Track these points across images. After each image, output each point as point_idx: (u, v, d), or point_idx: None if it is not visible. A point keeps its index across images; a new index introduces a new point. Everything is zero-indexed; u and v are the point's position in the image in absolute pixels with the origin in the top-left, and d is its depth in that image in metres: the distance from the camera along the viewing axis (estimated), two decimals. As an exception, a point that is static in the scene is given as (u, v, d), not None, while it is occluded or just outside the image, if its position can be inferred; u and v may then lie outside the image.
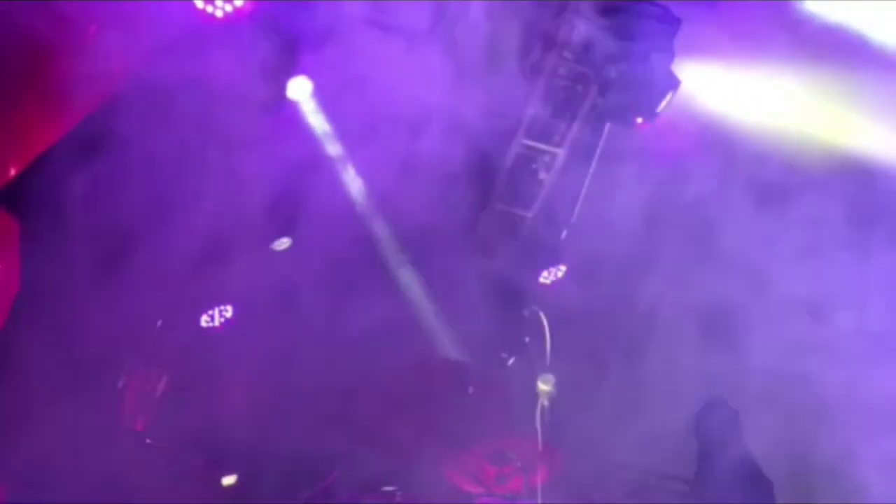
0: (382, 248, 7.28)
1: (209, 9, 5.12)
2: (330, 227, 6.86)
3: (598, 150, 6.65)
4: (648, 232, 7.19)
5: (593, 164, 6.68)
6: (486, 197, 7.43)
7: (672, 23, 5.74)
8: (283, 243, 7.18)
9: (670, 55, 5.65)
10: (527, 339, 3.96)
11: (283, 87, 5.82)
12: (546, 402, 3.95)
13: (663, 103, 5.60)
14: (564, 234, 7.11)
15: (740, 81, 6.39)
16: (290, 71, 5.86)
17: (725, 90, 6.42)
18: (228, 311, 7.08)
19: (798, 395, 7.03)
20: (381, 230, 7.21)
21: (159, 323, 6.27)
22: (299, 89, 6.13)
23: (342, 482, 4.44)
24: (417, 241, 7.30)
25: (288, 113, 6.22)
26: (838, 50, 6.06)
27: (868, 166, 6.65)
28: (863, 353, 6.83)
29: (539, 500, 4.03)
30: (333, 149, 6.70)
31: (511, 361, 7.62)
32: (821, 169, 6.64)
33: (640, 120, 5.70)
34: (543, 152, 7.00)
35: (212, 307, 7.00)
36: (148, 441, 3.38)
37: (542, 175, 7.09)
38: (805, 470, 7.39)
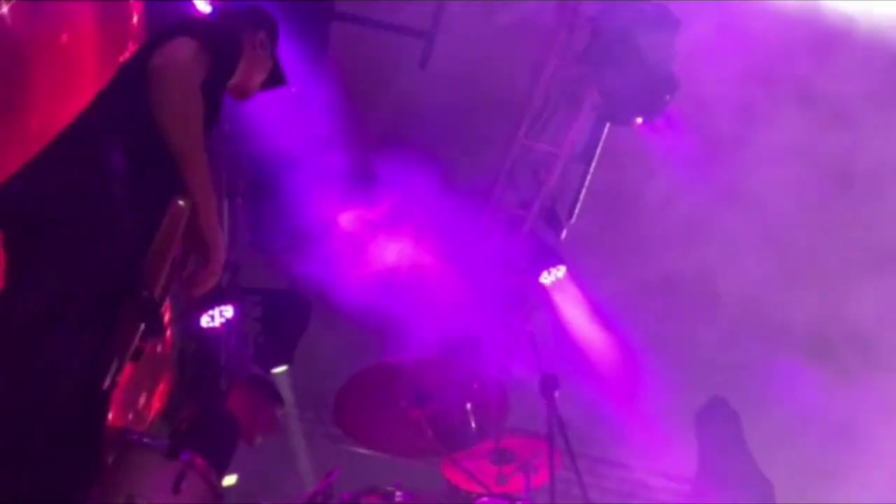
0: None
1: (209, 9, 5.12)
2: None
3: (598, 150, 6.66)
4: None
5: (593, 164, 6.68)
6: (486, 197, 7.45)
7: (672, 23, 5.74)
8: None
9: (670, 55, 5.66)
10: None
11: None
12: (546, 402, 3.95)
13: (663, 104, 5.60)
14: (564, 234, 7.12)
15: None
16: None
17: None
18: (228, 311, 7.08)
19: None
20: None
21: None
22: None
23: (342, 482, 4.43)
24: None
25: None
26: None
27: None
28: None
29: (539, 501, 4.03)
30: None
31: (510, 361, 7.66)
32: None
33: (639, 120, 5.70)
34: (543, 152, 7.01)
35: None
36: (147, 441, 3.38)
37: (541, 175, 7.10)
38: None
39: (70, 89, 4.29)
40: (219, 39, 2.66)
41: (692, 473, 8.76)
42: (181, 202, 2.38)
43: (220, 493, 3.55)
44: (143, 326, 2.25)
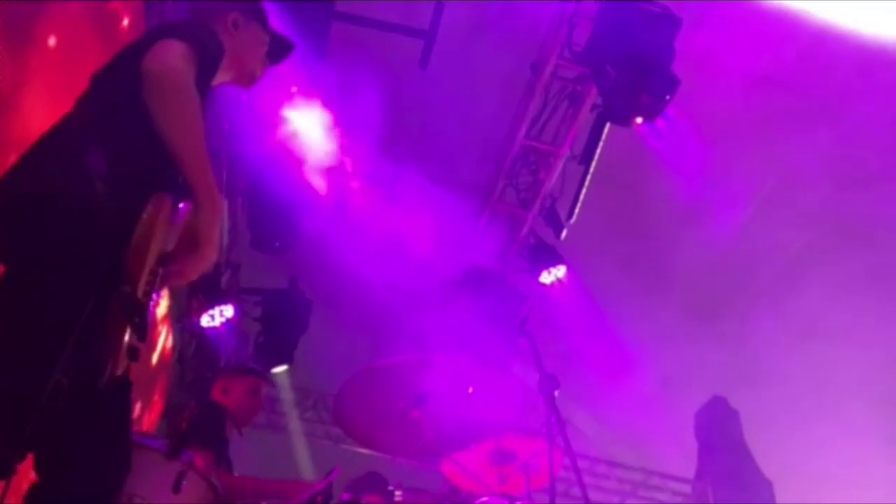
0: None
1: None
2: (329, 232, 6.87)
3: (598, 150, 6.65)
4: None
5: (593, 164, 6.68)
6: (487, 197, 7.45)
7: (672, 23, 5.74)
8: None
9: (670, 55, 5.65)
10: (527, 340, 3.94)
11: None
12: (546, 403, 3.94)
13: (663, 104, 5.60)
14: (564, 234, 7.11)
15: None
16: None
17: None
18: (228, 311, 7.08)
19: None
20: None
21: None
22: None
23: (342, 482, 4.43)
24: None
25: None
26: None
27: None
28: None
29: (539, 501, 4.03)
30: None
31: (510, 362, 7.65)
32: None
33: (639, 120, 5.70)
34: (543, 152, 7.01)
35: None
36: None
37: (542, 175, 7.10)
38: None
39: (62, 98, 4.27)
40: (201, 37, 2.61)
41: (692, 473, 8.76)
42: (161, 196, 2.31)
43: (220, 493, 3.54)
44: (130, 323, 2.21)
